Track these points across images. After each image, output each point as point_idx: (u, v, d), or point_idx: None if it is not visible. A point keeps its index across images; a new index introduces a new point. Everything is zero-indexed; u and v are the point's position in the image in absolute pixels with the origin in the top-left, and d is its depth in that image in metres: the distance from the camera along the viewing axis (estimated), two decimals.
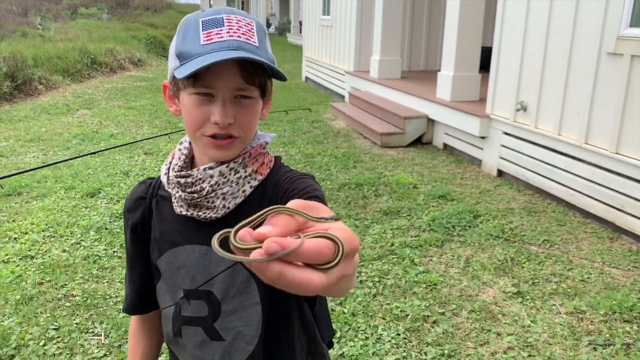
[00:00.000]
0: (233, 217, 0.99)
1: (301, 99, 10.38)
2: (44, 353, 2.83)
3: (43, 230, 4.28)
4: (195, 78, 0.93)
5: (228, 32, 0.93)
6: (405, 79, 8.50)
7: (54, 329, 3.03)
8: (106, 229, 4.33)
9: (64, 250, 3.96)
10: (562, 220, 4.43)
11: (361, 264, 3.71)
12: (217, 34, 0.93)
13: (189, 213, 1.02)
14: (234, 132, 0.98)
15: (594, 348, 2.79)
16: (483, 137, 5.70)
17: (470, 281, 3.46)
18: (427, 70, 9.67)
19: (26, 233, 4.24)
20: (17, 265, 3.72)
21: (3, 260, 3.78)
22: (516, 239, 4.05)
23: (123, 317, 3.13)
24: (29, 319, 3.12)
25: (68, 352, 2.84)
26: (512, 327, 2.98)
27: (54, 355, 2.81)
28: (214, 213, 1.00)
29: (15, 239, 4.15)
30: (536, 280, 3.45)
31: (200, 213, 1.01)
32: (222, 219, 1.00)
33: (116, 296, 3.37)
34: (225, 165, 1.00)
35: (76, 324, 3.08)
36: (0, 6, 20.00)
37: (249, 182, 1.02)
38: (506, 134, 5.40)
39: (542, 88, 4.89)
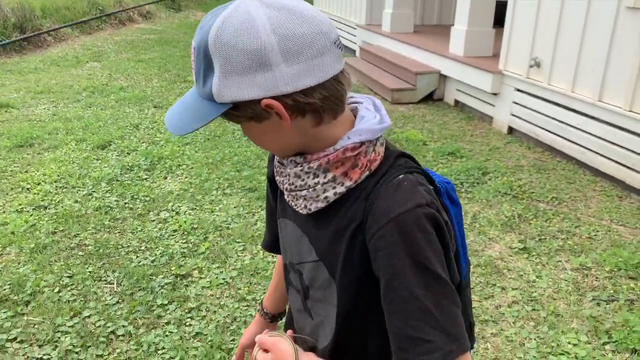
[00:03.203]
0: (324, 215, 0.94)
1: None
2: (58, 299, 2.91)
3: (55, 182, 4.34)
4: None
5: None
6: (418, 34, 8.34)
7: (68, 276, 3.11)
8: (117, 180, 4.37)
9: (76, 201, 4.02)
10: (571, 178, 4.41)
11: None
12: None
13: (288, 199, 0.99)
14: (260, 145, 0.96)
15: (598, 303, 2.83)
16: (495, 94, 5.62)
17: (477, 237, 3.49)
18: (440, 25, 9.46)
19: (39, 184, 4.30)
20: (31, 215, 3.79)
21: (17, 210, 3.85)
22: (524, 195, 4.05)
23: (135, 266, 3.21)
24: (43, 266, 3.20)
25: (82, 299, 2.92)
26: (517, 282, 3.02)
27: (68, 302, 2.89)
28: (300, 209, 0.96)
29: (28, 189, 4.21)
30: (543, 237, 3.47)
31: (292, 203, 0.98)
32: (310, 215, 0.96)
33: (128, 246, 3.43)
34: (300, 167, 0.92)
35: (89, 272, 3.16)
36: None
37: (332, 188, 0.91)
38: (518, 90, 5.32)
39: (557, 44, 4.79)
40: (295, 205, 0.97)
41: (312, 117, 0.87)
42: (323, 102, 0.86)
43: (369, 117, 0.93)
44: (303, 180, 0.92)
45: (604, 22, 4.24)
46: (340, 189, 0.91)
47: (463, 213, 3.75)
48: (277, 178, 0.99)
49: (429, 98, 6.86)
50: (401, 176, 0.90)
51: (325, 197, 0.92)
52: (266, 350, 0.96)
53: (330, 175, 0.90)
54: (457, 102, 6.51)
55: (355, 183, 0.91)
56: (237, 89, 0.83)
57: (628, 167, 4.10)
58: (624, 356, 2.47)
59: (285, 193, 0.98)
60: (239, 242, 3.47)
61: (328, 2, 11.60)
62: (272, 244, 1.22)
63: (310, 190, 0.92)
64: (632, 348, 2.49)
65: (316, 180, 0.91)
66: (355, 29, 9.82)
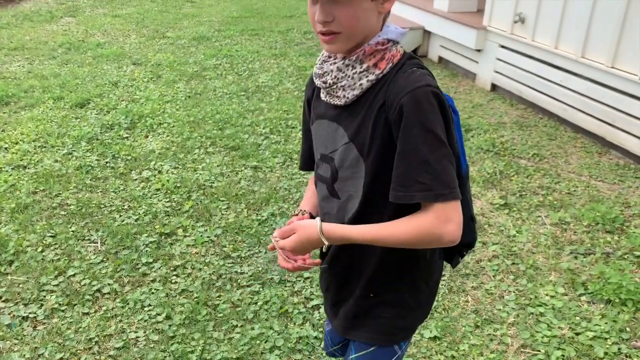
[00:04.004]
0: (355, 106, 1.20)
1: (293, 8, 10.02)
2: (42, 259, 2.90)
3: (34, 141, 4.26)
4: None
5: None
6: None
7: (51, 236, 3.10)
8: (97, 139, 4.31)
9: (56, 161, 3.96)
10: (552, 134, 4.45)
11: None
12: None
13: (326, 99, 1.25)
14: (334, 28, 1.12)
15: (575, 257, 2.90)
16: (479, 50, 5.59)
17: None
18: None
19: (16, 143, 4.22)
20: (10, 175, 3.73)
21: None
22: (506, 152, 4.08)
23: (118, 225, 3.20)
24: (25, 226, 3.17)
25: (66, 258, 2.91)
26: (497, 237, 3.08)
27: (52, 261, 2.89)
28: (339, 101, 1.21)
29: (5, 149, 4.13)
30: (523, 193, 3.52)
31: (332, 100, 1.24)
32: (347, 106, 1.21)
33: (110, 205, 3.41)
34: (342, 62, 1.18)
35: (72, 231, 3.15)
36: None
37: (366, 77, 1.17)
38: (502, 47, 5.30)
39: None
40: (334, 99, 1.22)
41: (388, 1, 1.16)
42: None
43: (390, 25, 1.21)
44: (343, 72, 1.18)
45: None
46: (372, 77, 1.17)
47: None
48: (317, 81, 1.24)
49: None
50: (414, 68, 1.15)
51: (361, 84, 1.17)
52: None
53: (364, 65, 1.16)
54: (440, 58, 6.46)
55: (382, 73, 1.16)
56: None
57: (608, 124, 4.14)
58: (599, 306, 2.55)
59: (324, 93, 1.25)
60: (222, 201, 3.47)
61: None
62: (310, 162, 1.43)
63: (349, 79, 1.17)
64: (607, 299, 2.57)
65: (354, 70, 1.17)
66: None
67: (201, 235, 3.11)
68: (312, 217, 1.42)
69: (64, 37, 7.46)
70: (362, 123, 1.17)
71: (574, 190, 3.55)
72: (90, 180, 3.71)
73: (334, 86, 1.20)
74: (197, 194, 3.55)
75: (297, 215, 1.42)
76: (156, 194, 3.54)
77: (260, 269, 2.84)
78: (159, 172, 3.83)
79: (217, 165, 3.92)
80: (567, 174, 3.78)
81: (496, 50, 5.37)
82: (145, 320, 2.49)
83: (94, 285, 2.71)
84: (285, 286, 2.72)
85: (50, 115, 4.77)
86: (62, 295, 2.64)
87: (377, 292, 1.31)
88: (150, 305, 2.59)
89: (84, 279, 2.75)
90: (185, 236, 3.12)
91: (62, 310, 2.55)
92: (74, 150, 4.13)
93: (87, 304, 2.59)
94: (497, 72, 5.40)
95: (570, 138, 4.39)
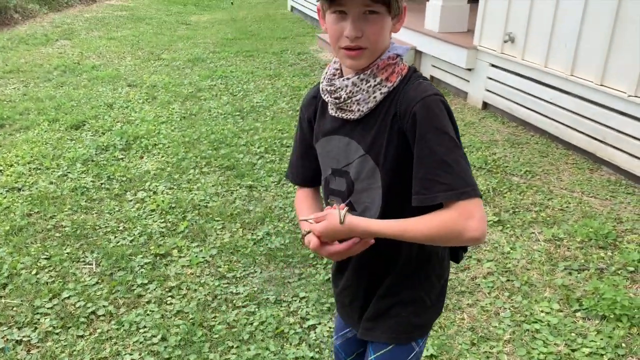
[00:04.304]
0: (368, 119, 1.25)
1: (287, 29, 10.14)
2: (36, 281, 2.89)
3: (28, 163, 4.27)
4: (331, 1, 1.16)
5: None
6: None
7: (45, 258, 3.09)
8: (92, 161, 4.32)
9: (51, 182, 3.97)
10: (544, 151, 4.49)
11: None
12: None
13: (337, 114, 1.30)
14: (362, 44, 1.19)
15: (569, 273, 2.92)
16: (470, 69, 5.66)
17: None
18: (415, 0, 9.43)
19: (11, 165, 4.22)
20: (4, 197, 3.73)
21: None
22: (499, 169, 4.12)
23: (113, 246, 3.20)
24: (19, 249, 3.17)
25: (60, 280, 2.91)
26: (492, 254, 3.10)
27: (47, 284, 2.88)
28: (353, 115, 1.27)
29: (0, 171, 4.13)
30: (517, 210, 3.55)
31: (344, 115, 1.28)
32: (360, 120, 1.26)
33: (105, 227, 3.41)
34: (357, 76, 1.23)
35: (67, 253, 3.14)
36: None
37: (379, 90, 1.23)
38: (493, 65, 5.37)
39: (530, 19, 4.83)
40: (347, 113, 1.27)
41: (399, 22, 1.24)
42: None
43: (395, 44, 1.28)
44: (358, 86, 1.24)
45: None
46: (384, 90, 1.23)
47: None
48: (328, 98, 1.29)
49: None
50: (420, 80, 1.24)
51: (375, 97, 1.24)
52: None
53: (378, 79, 1.23)
54: (432, 77, 6.53)
55: (393, 85, 1.24)
56: None
57: (599, 141, 4.19)
58: (594, 322, 2.56)
59: (333, 109, 1.30)
60: (218, 221, 3.47)
61: None
62: (309, 177, 1.47)
63: (364, 93, 1.23)
64: (602, 314, 2.58)
65: (368, 84, 1.23)
66: None
67: (196, 256, 3.11)
68: None
69: (60, 59, 7.51)
70: (377, 135, 1.23)
71: (567, 207, 3.58)
72: (85, 201, 3.71)
73: (349, 101, 1.25)
74: (192, 214, 3.55)
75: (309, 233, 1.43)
76: (151, 215, 3.54)
77: (255, 289, 2.84)
78: (154, 192, 3.84)
79: (212, 185, 3.93)
80: (560, 190, 3.82)
81: (487, 69, 5.45)
82: (140, 342, 2.48)
83: (89, 308, 2.70)
84: (281, 306, 2.72)
85: (45, 137, 4.79)
86: (57, 318, 2.63)
87: (395, 292, 1.36)
88: (145, 326, 2.58)
89: (78, 301, 2.74)
90: (180, 257, 3.12)
91: (57, 333, 2.54)
92: (69, 172, 4.13)
93: (82, 326, 2.58)
94: (488, 90, 5.46)
95: (562, 155, 4.43)
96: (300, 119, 1.46)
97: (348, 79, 1.24)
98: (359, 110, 1.25)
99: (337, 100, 1.26)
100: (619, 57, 3.98)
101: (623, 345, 2.41)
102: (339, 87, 1.25)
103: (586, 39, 4.26)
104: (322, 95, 1.32)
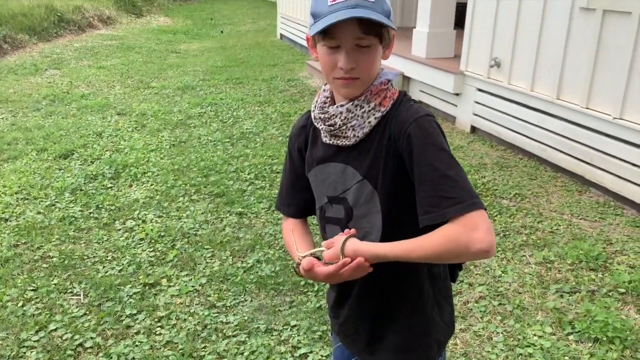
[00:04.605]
0: (363, 144, 1.26)
1: (276, 57, 10.24)
2: (23, 314, 2.84)
3: (16, 193, 4.23)
4: (324, 34, 1.18)
5: None
6: None
7: (32, 290, 3.04)
8: (81, 190, 4.29)
9: (39, 212, 3.93)
10: (533, 174, 4.52)
11: None
12: None
13: (331, 142, 1.29)
14: (355, 74, 1.21)
15: (561, 295, 2.91)
16: (457, 94, 5.73)
17: None
18: (402, 27, 9.57)
19: None
20: None
21: None
22: (488, 193, 4.13)
23: (101, 277, 3.15)
24: (5, 280, 3.12)
25: (47, 312, 2.86)
26: (483, 278, 3.09)
27: (33, 316, 2.83)
28: (348, 141, 1.27)
29: None
30: (507, 233, 3.55)
31: (339, 141, 1.28)
32: (355, 146, 1.27)
33: (94, 256, 3.37)
34: (351, 103, 1.24)
35: (54, 284, 3.09)
36: None
37: (373, 115, 1.24)
38: (480, 90, 5.43)
39: (516, 44, 4.91)
40: (342, 140, 1.27)
41: (388, 49, 1.26)
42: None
43: (384, 69, 1.30)
44: (353, 112, 1.24)
45: (559, 22, 4.37)
46: (378, 115, 1.24)
47: None
48: (322, 126, 1.29)
49: None
50: (411, 102, 1.27)
51: (369, 122, 1.25)
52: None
53: (371, 104, 1.24)
54: (421, 102, 6.60)
55: (386, 110, 1.25)
56: (392, 17, 1.23)
57: (587, 163, 4.23)
58: (587, 345, 2.54)
59: (328, 137, 1.29)
60: (207, 249, 3.44)
61: (292, 7, 11.63)
62: (299, 208, 1.46)
63: (359, 119, 1.24)
64: (595, 337, 2.57)
65: (362, 110, 1.24)
66: None
67: (186, 285, 3.07)
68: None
69: (49, 89, 7.51)
70: (374, 159, 1.24)
71: (557, 229, 3.59)
72: (74, 231, 3.68)
73: (343, 127, 1.25)
74: (182, 242, 3.52)
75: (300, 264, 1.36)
76: (140, 244, 3.51)
77: (246, 318, 2.80)
78: (143, 221, 3.81)
79: (202, 213, 3.91)
80: (549, 212, 3.83)
81: (474, 94, 5.51)
82: None
83: (76, 340, 2.64)
84: (272, 335, 2.68)
85: (34, 167, 4.76)
86: (43, 350, 2.58)
87: (404, 316, 1.35)
88: (134, 358, 2.53)
89: (65, 333, 2.69)
90: (169, 286, 3.08)
91: None
92: (57, 202, 4.10)
93: (69, 359, 2.53)
94: (476, 114, 5.52)
95: (551, 177, 4.46)
96: (289, 148, 1.44)
97: (342, 105, 1.25)
98: (354, 136, 1.25)
99: (331, 128, 1.27)
100: (603, 80, 4.05)
101: None
102: (333, 115, 1.26)
103: (570, 63, 4.33)
104: (315, 123, 1.32)
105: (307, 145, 1.39)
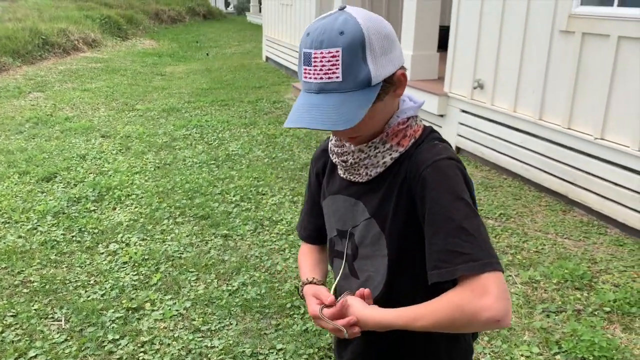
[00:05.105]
0: (376, 182, 1.16)
1: (262, 79, 10.29)
2: (2, 340, 2.77)
3: None
4: None
5: (313, 74, 1.04)
6: None
7: (12, 315, 2.97)
8: (64, 213, 4.23)
9: (20, 236, 3.86)
10: (517, 194, 4.56)
11: None
12: (306, 73, 1.05)
13: (344, 175, 1.22)
14: (354, 135, 1.12)
15: (547, 315, 2.91)
16: (441, 115, 5.78)
17: None
18: None
19: None
20: None
21: None
22: None
23: (83, 301, 3.10)
24: None
25: (27, 338, 2.79)
26: None
27: (12, 342, 2.76)
28: (360, 178, 1.18)
29: None
30: None
31: (351, 177, 1.20)
32: (367, 183, 1.17)
33: (76, 281, 3.31)
34: (365, 144, 1.14)
35: (35, 309, 3.03)
36: None
37: (389, 155, 1.14)
38: (464, 111, 5.49)
39: (498, 66, 4.99)
40: (355, 176, 1.19)
41: (400, 87, 1.11)
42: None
43: (407, 100, 1.17)
44: (366, 153, 1.14)
45: (540, 44, 4.45)
46: (395, 155, 1.14)
47: None
48: (336, 160, 1.21)
49: None
50: (436, 142, 1.14)
51: (384, 162, 1.14)
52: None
53: (388, 145, 1.13)
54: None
55: (405, 149, 1.14)
56: (386, 67, 1.05)
57: (570, 182, 4.27)
58: None
59: (342, 170, 1.21)
60: (192, 272, 3.40)
61: (277, 29, 11.73)
62: (314, 234, 1.39)
63: (372, 158, 1.14)
64: (581, 356, 2.56)
65: (377, 150, 1.14)
66: None
67: (170, 309, 3.02)
68: (323, 284, 1.37)
69: (32, 111, 7.46)
70: (384, 198, 1.14)
71: (542, 249, 3.60)
72: (55, 255, 3.62)
73: (356, 165, 1.16)
74: (166, 265, 3.48)
75: (309, 283, 1.30)
76: (123, 267, 3.46)
77: (231, 342, 2.76)
78: (127, 244, 3.76)
79: (187, 235, 3.87)
80: (534, 232, 3.85)
81: (458, 115, 5.57)
82: None
83: None
84: (258, 359, 2.64)
85: (15, 190, 4.69)
86: None
87: (419, 355, 1.24)
88: None
89: (46, 359, 2.63)
90: (153, 310, 3.03)
91: None
92: (39, 225, 4.04)
93: None
94: (460, 135, 5.57)
95: (535, 197, 4.50)
96: (310, 172, 1.39)
97: (345, 146, 1.17)
98: (367, 174, 1.16)
99: (344, 164, 1.18)
100: (584, 101, 4.12)
101: None
102: (346, 152, 1.16)
103: (552, 84, 4.41)
104: (330, 155, 1.25)
105: (324, 170, 1.32)
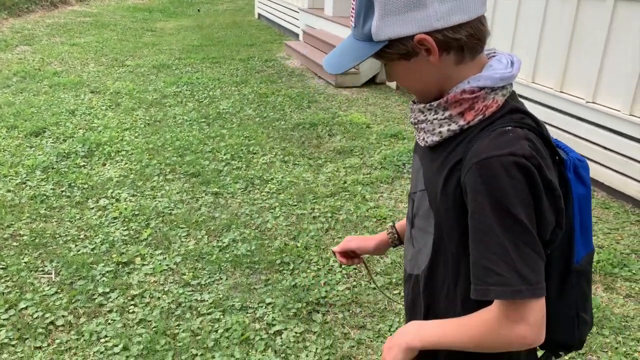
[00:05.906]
0: (437, 149, 1.04)
1: (254, 37, 10.12)
2: None
3: None
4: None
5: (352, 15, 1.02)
6: None
7: (2, 268, 2.99)
8: (53, 168, 4.21)
9: (9, 190, 3.85)
10: None
11: (314, 200, 3.76)
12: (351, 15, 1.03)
13: (415, 135, 1.11)
14: (403, 86, 1.08)
15: None
16: None
17: None
18: None
19: None
20: None
21: None
22: None
23: (73, 255, 3.11)
24: None
25: (17, 290, 2.81)
26: None
27: (3, 294, 2.78)
28: (421, 142, 1.08)
29: None
30: None
31: (417, 137, 1.10)
32: (430, 149, 1.06)
33: (65, 235, 3.32)
34: (425, 105, 1.03)
35: (25, 263, 3.04)
36: None
37: (447, 125, 1.00)
38: None
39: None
40: (418, 137, 1.09)
41: (456, 55, 0.96)
42: (468, 39, 0.95)
43: (497, 68, 0.98)
44: (425, 115, 1.04)
45: (536, 6, 4.39)
46: (454, 127, 0.99)
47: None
48: (409, 115, 1.15)
49: (371, 82, 6.93)
50: (509, 127, 0.94)
51: (440, 132, 1.01)
52: None
53: (447, 113, 1.00)
54: (398, 86, 6.60)
55: (468, 124, 0.98)
56: (393, 26, 0.94)
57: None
58: None
59: (413, 127, 1.10)
60: (182, 228, 3.42)
61: None
62: None
63: (428, 123, 1.03)
64: None
65: (435, 116, 1.01)
66: (298, 12, 9.77)
67: (160, 264, 3.05)
68: (398, 240, 1.39)
69: (19, 65, 7.32)
70: (437, 173, 1.02)
71: None
72: (45, 209, 3.61)
73: (416, 126, 1.08)
74: (156, 221, 3.49)
75: (392, 226, 1.39)
76: (113, 223, 3.47)
77: (221, 296, 2.80)
78: (117, 200, 3.76)
79: (177, 192, 3.88)
80: None
81: None
82: (101, 352, 2.42)
83: (47, 318, 2.61)
84: (247, 313, 2.68)
85: (3, 144, 4.65)
86: (13, 329, 2.54)
87: None
88: (106, 336, 2.51)
89: (36, 311, 2.65)
90: (143, 265, 3.05)
91: (13, 345, 2.45)
92: (28, 180, 4.02)
93: (40, 337, 2.50)
94: None
95: None
96: None
97: (419, 102, 1.06)
98: (423, 139, 1.05)
99: (412, 121, 1.10)
100: (578, 64, 4.10)
101: None
102: (412, 109, 1.08)
103: (546, 47, 4.37)
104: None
105: None
